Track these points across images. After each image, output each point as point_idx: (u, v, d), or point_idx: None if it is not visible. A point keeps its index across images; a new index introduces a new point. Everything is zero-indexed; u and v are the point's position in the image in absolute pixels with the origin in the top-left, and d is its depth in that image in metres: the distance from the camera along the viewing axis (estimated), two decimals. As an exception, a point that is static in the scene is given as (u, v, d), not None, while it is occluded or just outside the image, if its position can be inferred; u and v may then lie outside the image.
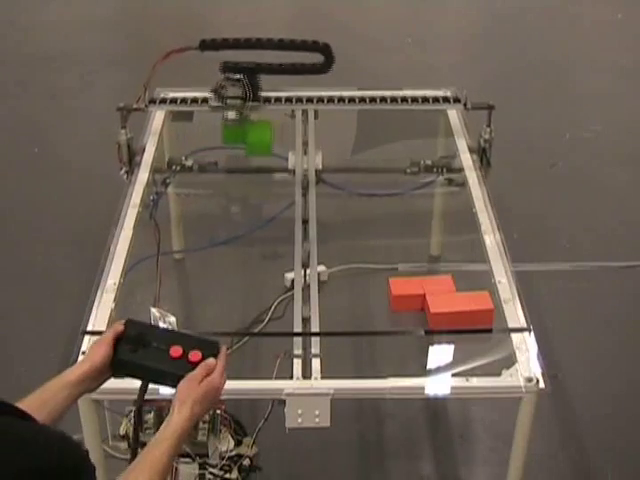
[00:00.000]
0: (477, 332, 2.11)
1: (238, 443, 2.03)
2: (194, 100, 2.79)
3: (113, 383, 1.74)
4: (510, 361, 1.91)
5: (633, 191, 3.98)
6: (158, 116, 2.87)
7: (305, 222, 2.51)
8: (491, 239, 2.32)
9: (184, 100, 2.81)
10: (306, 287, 2.24)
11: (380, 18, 5.87)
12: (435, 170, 2.82)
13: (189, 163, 2.88)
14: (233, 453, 2.02)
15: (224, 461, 2.01)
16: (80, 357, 1.89)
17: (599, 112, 4.65)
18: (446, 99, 2.79)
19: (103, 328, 1.99)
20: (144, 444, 1.95)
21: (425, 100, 2.80)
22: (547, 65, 5.18)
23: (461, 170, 2.62)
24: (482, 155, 2.64)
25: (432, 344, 2.16)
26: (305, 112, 2.97)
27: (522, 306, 2.06)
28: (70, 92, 4.91)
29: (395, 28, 5.73)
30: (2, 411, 1.14)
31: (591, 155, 4.28)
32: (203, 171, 2.90)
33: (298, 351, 1.95)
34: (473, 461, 2.67)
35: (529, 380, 1.85)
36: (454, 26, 5.96)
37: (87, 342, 1.94)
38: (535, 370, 1.87)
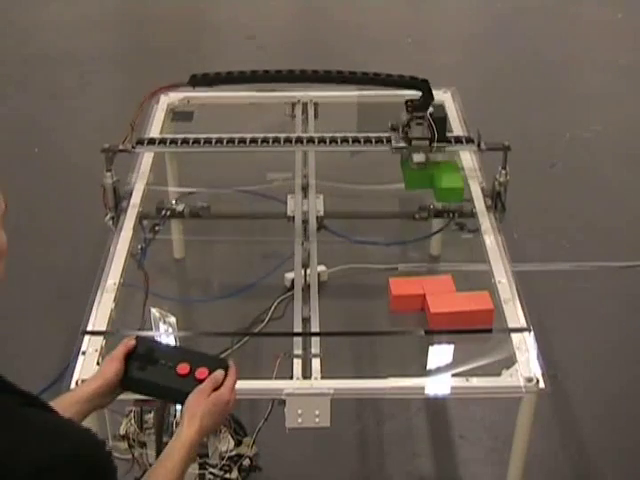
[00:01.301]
0: (477, 332, 2.10)
1: (238, 443, 2.04)
2: (185, 141, 2.56)
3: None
4: (510, 361, 1.91)
5: (633, 191, 3.98)
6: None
7: (305, 222, 2.52)
8: (491, 239, 2.32)
9: (174, 141, 2.58)
10: (306, 287, 2.24)
11: (380, 18, 5.87)
12: (446, 215, 2.61)
13: (180, 208, 2.67)
14: (233, 453, 2.02)
15: (224, 461, 2.01)
16: (80, 357, 1.90)
17: (599, 112, 4.65)
18: (458, 140, 2.57)
19: (103, 328, 1.99)
20: (144, 444, 1.96)
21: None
22: (547, 65, 5.18)
23: (474, 215, 2.47)
24: (496, 199, 2.48)
25: (432, 344, 2.16)
26: (305, 112, 2.97)
27: (522, 306, 2.06)
28: (70, 92, 4.91)
29: (395, 28, 5.73)
30: (30, 403, 1.16)
31: (591, 155, 4.28)
32: (195, 216, 2.69)
33: (298, 351, 1.96)
34: (473, 461, 2.67)
35: (529, 380, 1.85)
36: (454, 26, 5.96)
37: (87, 342, 1.94)
38: (535, 370, 1.87)
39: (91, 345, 1.93)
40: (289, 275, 3.01)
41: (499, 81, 4.99)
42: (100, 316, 2.03)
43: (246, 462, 2.06)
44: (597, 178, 4.07)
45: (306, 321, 2.08)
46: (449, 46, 5.57)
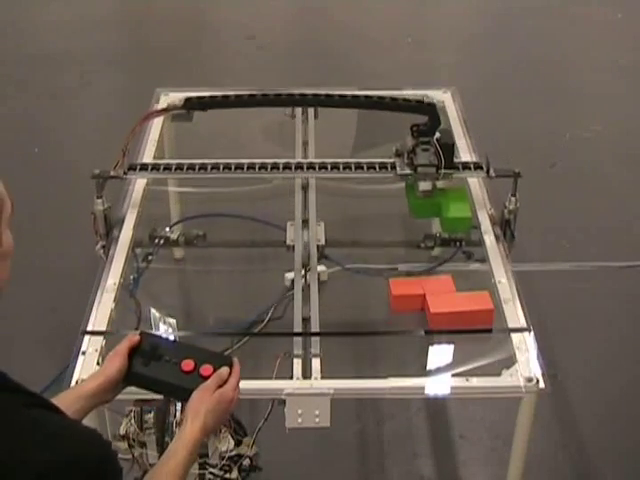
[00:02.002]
0: (477, 332, 2.10)
1: (238, 443, 2.03)
2: (179, 167, 2.44)
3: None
4: (510, 361, 1.91)
5: (633, 191, 3.98)
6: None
7: (305, 222, 2.51)
8: (491, 239, 2.32)
9: (167, 167, 2.46)
10: (306, 287, 2.24)
11: (380, 18, 5.87)
12: (452, 244, 2.51)
13: (174, 236, 2.58)
14: (233, 453, 2.02)
15: (224, 461, 2.01)
16: (80, 357, 1.90)
17: (599, 112, 4.65)
18: (466, 166, 2.43)
19: (103, 328, 1.99)
20: (144, 444, 1.96)
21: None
22: (547, 65, 5.18)
23: (481, 244, 2.36)
24: (505, 227, 2.36)
25: (432, 344, 2.16)
26: (305, 112, 2.97)
27: (522, 306, 2.06)
28: (70, 92, 4.91)
29: (395, 28, 5.73)
30: (35, 403, 1.16)
31: (591, 155, 4.28)
32: (190, 245, 2.61)
33: (298, 351, 1.95)
34: (473, 461, 2.67)
35: (529, 380, 1.85)
36: (454, 26, 5.96)
37: (87, 342, 1.94)
38: (535, 370, 1.87)
39: (91, 345, 1.93)
40: (289, 275, 3.01)
41: (499, 81, 4.99)
42: (100, 316, 2.03)
43: (246, 462, 2.05)
44: (597, 178, 4.07)
45: (306, 321, 2.08)
46: (449, 46, 5.57)
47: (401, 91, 2.92)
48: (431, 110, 2.35)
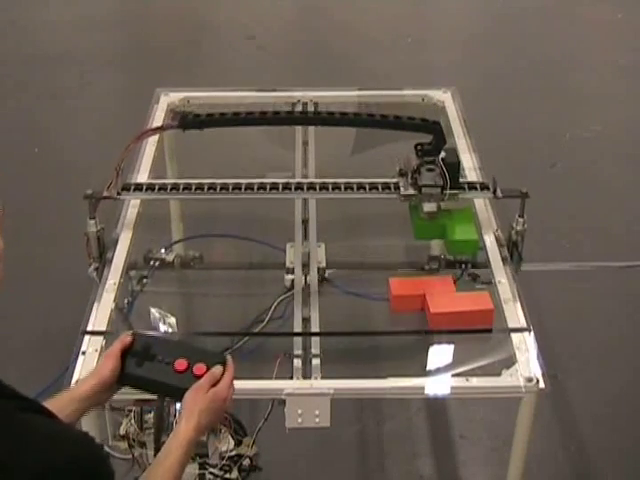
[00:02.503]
0: (477, 332, 2.10)
1: (238, 443, 2.03)
2: (174, 187, 2.33)
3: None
4: (510, 361, 1.91)
5: (633, 191, 3.98)
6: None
7: (305, 222, 2.51)
8: (491, 239, 2.32)
9: (163, 187, 2.34)
10: (306, 287, 2.24)
11: (380, 18, 5.87)
12: (458, 266, 2.40)
13: (170, 258, 2.47)
14: (233, 453, 2.02)
15: (224, 461, 2.01)
16: (80, 357, 1.90)
17: (599, 112, 4.66)
18: (472, 186, 2.34)
19: (103, 328, 1.99)
20: (144, 444, 1.96)
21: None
22: (547, 65, 5.18)
23: (487, 266, 2.27)
24: (513, 249, 2.28)
25: (432, 344, 2.16)
26: (305, 108, 2.96)
27: (522, 306, 2.06)
28: (70, 92, 4.92)
29: (395, 28, 5.73)
30: (28, 407, 1.16)
31: (591, 155, 4.28)
32: (186, 267, 2.51)
33: (298, 351, 1.95)
34: (473, 461, 2.67)
35: (529, 380, 1.84)
36: (454, 26, 5.96)
37: (87, 342, 1.94)
38: (535, 370, 1.87)
39: (91, 345, 1.93)
40: (289, 275, 3.01)
41: (499, 81, 4.99)
42: (100, 316, 2.02)
43: (246, 462, 2.05)
44: (597, 178, 4.07)
45: (306, 321, 2.08)
46: (449, 46, 5.57)
47: (401, 91, 2.92)
48: (436, 128, 2.26)
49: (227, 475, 2.04)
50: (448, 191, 2.23)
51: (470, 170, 2.52)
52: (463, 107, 2.94)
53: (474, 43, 5.61)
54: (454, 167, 2.22)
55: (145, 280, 2.36)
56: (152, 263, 2.42)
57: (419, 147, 2.24)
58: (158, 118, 2.86)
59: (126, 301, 2.24)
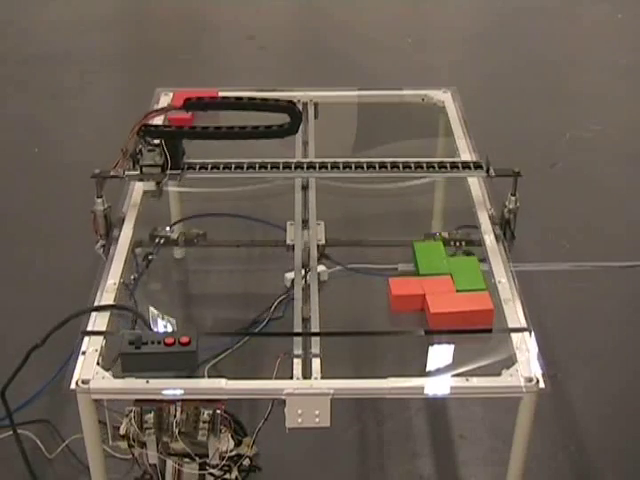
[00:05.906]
0: (477, 332, 2.10)
1: (238, 443, 2.03)
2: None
3: (113, 383, 1.75)
4: (510, 361, 1.91)
5: (633, 191, 3.98)
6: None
7: (305, 222, 2.52)
8: (491, 239, 2.32)
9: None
10: (306, 287, 2.24)
11: (380, 18, 5.87)
12: (452, 243, 2.50)
13: (174, 235, 2.62)
14: (233, 453, 2.02)
15: (224, 461, 2.01)
16: (80, 357, 1.90)
17: (599, 112, 4.65)
18: (466, 165, 2.43)
19: (103, 328, 1.99)
20: (144, 444, 1.96)
21: (442, 166, 2.46)
22: (547, 65, 5.18)
23: (481, 244, 2.34)
24: (505, 227, 2.36)
25: (432, 344, 2.16)
26: (305, 108, 2.96)
27: (522, 306, 2.06)
28: (70, 92, 4.91)
29: (395, 28, 5.73)
30: None
31: (591, 155, 4.28)
32: (190, 245, 2.67)
33: (298, 351, 1.95)
34: (473, 461, 2.67)
35: (529, 380, 1.85)
36: (454, 26, 5.96)
37: (87, 342, 1.94)
38: (535, 370, 1.87)
39: (91, 345, 1.93)
40: (289, 275, 3.01)
41: (499, 81, 4.99)
42: (100, 316, 2.03)
43: (246, 462, 2.05)
44: (597, 178, 4.07)
45: (306, 321, 2.08)
46: (449, 46, 5.57)
47: (401, 91, 2.92)
48: (290, 107, 2.31)
49: (227, 475, 2.04)
50: (169, 171, 2.34)
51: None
52: (463, 107, 2.95)
53: (474, 43, 5.61)
54: (175, 148, 2.34)
55: (150, 257, 2.50)
56: (157, 240, 2.57)
57: (142, 129, 2.33)
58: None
59: (132, 277, 2.31)
